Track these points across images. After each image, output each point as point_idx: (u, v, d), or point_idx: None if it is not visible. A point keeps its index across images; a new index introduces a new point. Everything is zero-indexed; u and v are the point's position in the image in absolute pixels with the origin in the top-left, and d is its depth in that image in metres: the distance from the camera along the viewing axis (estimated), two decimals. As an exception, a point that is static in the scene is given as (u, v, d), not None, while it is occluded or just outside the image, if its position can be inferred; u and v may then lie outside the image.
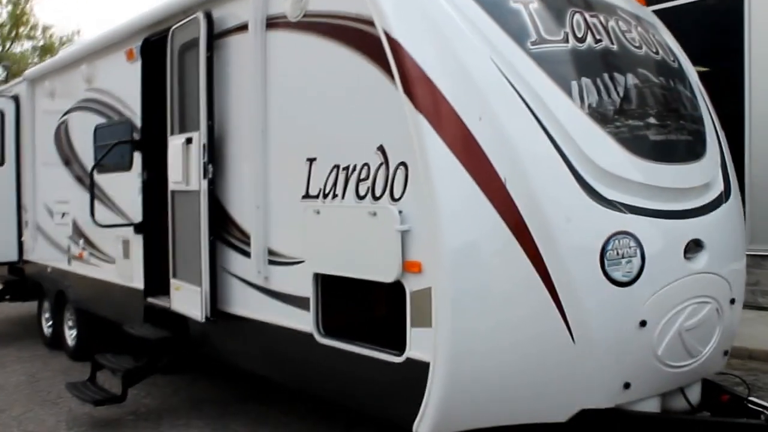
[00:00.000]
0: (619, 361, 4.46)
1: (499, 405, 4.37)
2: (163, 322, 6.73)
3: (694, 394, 5.10)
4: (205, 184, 5.79)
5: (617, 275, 4.39)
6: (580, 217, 4.37)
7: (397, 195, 4.39)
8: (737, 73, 10.12)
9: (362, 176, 4.62)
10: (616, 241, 4.40)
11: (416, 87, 4.28)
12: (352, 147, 4.73)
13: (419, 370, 4.26)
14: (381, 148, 4.49)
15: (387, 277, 4.39)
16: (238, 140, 5.73)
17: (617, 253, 4.40)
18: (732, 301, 5.09)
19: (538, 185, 4.29)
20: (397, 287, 4.38)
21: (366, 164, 4.59)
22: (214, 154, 5.84)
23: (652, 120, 4.91)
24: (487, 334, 4.23)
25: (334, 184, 4.83)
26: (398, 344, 4.43)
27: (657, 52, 5.36)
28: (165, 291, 6.64)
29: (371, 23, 4.51)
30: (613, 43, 5.01)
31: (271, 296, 5.42)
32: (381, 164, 4.49)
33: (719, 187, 5.17)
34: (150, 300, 6.94)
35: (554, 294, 4.26)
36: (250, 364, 6.12)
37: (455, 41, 4.44)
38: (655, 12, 6.06)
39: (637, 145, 4.69)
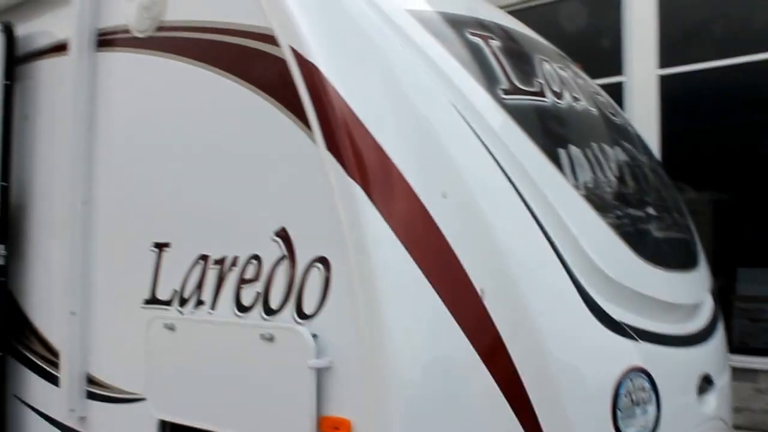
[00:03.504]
0: None
1: None
2: None
3: None
4: (-8, 271, 3.88)
5: (631, 433, 2.94)
6: (585, 347, 2.95)
7: (309, 309, 2.75)
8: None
9: (248, 275, 2.95)
10: (630, 382, 3.00)
11: (348, 140, 2.70)
12: (232, 228, 3.06)
13: None
14: (283, 234, 2.84)
15: (292, 443, 2.70)
16: (48, 210, 3.88)
17: (631, 400, 2.97)
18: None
19: (529, 302, 2.79)
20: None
21: (255, 257, 2.93)
22: (9, 228, 3.95)
23: (651, 210, 3.61)
24: None
25: (199, 285, 3.12)
26: None
27: (629, 125, 4.13)
28: None
29: (271, 39, 2.91)
30: (592, 107, 3.69)
31: (91, 447, 3.58)
32: (282, 258, 2.84)
33: (710, 302, 3.92)
34: None
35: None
36: None
37: (402, 75, 2.92)
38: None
39: (641, 243, 3.40)
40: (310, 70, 2.76)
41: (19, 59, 4.01)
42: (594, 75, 7.37)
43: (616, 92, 7.56)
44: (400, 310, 2.61)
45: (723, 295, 7.12)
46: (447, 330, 2.67)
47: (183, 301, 3.16)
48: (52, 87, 3.89)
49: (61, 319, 3.63)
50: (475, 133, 2.92)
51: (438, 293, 2.66)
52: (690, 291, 3.63)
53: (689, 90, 7.43)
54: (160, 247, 3.28)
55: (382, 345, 2.56)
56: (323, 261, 2.72)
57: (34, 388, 3.90)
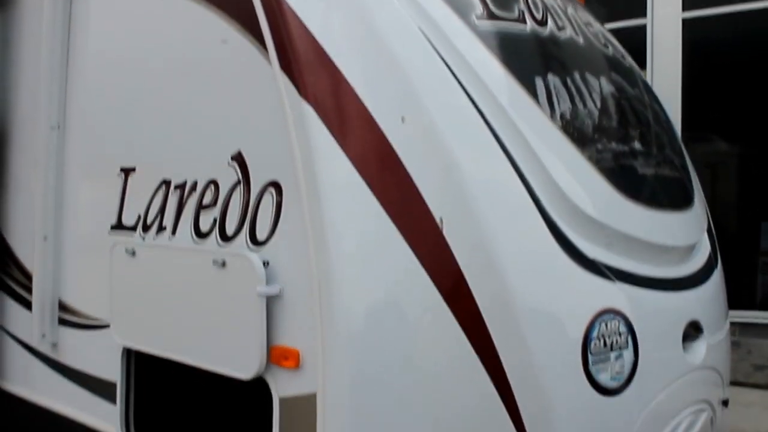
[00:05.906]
0: None
1: None
2: None
3: None
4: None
5: (604, 378, 2.79)
6: (554, 285, 2.76)
7: (261, 236, 2.65)
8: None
9: (205, 201, 2.86)
10: (603, 325, 2.82)
11: (303, 62, 2.57)
12: (190, 153, 2.97)
13: None
14: (239, 158, 2.74)
15: (241, 370, 2.64)
16: (23, 137, 3.83)
17: (604, 343, 2.80)
18: (724, 403, 3.62)
19: (491, 234, 2.63)
20: (258, 385, 2.64)
21: (213, 182, 2.83)
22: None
23: (638, 146, 3.39)
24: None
25: (161, 210, 3.04)
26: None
27: (623, 57, 3.89)
28: None
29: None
30: (578, 35, 3.48)
31: (62, 373, 3.57)
32: (237, 183, 2.74)
33: (707, 245, 3.69)
34: None
35: (513, 409, 2.60)
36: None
37: None
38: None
39: (624, 179, 3.17)
40: (267, -9, 2.63)
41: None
42: (617, 17, 7.09)
43: (639, 35, 7.25)
44: (351, 237, 2.50)
45: (747, 250, 6.88)
46: (401, 260, 2.54)
47: (146, 227, 3.09)
48: (32, 13, 3.79)
49: (36, 242, 3.59)
50: (441, 57, 2.75)
51: (392, 220, 2.54)
52: (680, 232, 3.41)
53: (713, 34, 7.07)
54: (126, 171, 3.20)
55: (329, 275, 2.45)
56: (276, 186, 2.62)
57: (12, 313, 3.89)
